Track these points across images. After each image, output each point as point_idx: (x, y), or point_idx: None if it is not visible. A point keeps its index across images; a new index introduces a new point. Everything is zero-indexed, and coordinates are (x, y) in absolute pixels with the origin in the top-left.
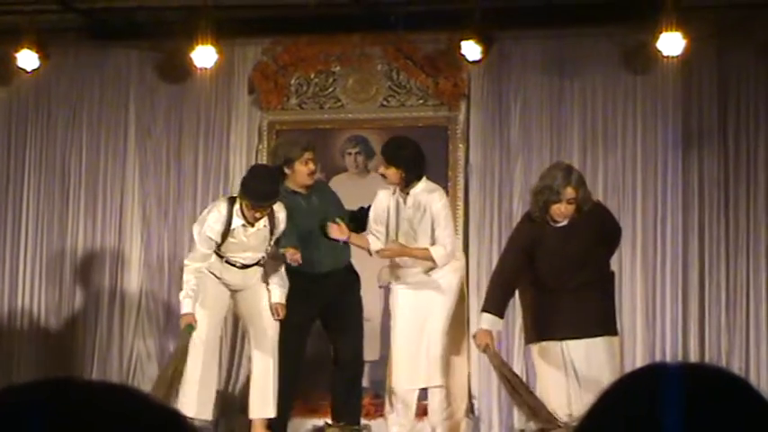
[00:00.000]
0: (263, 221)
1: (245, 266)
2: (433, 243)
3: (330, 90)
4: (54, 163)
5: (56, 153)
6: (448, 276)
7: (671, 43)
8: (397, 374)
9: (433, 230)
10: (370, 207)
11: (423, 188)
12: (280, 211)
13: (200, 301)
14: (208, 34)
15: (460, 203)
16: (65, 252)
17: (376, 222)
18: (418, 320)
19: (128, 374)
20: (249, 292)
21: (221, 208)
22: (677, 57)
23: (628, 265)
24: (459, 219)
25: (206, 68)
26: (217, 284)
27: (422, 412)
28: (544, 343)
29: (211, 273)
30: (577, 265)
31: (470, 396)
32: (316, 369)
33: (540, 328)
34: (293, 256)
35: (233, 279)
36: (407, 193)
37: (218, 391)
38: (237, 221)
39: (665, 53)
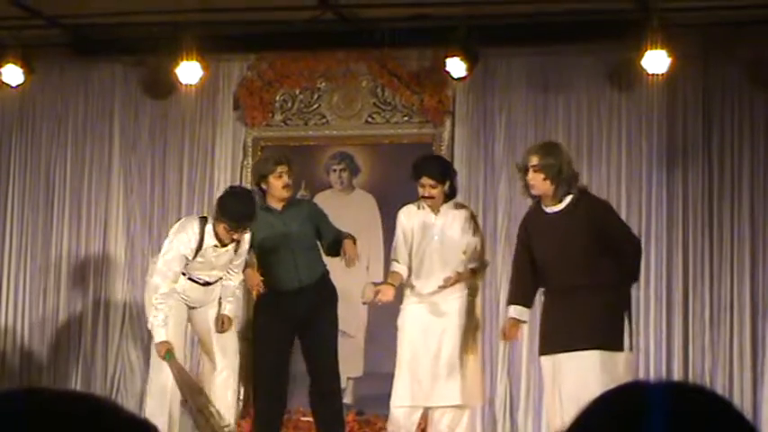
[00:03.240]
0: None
1: (207, 283)
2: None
3: (315, 106)
4: (39, 177)
5: (40, 168)
6: (461, 292)
7: (656, 61)
8: (400, 392)
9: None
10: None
11: (453, 203)
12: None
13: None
14: (193, 50)
15: None
16: (49, 265)
17: (406, 244)
18: (430, 339)
19: (112, 387)
20: (201, 311)
21: (194, 227)
22: (662, 74)
23: None
24: None
25: (191, 84)
26: (178, 301)
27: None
28: (541, 357)
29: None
30: (571, 258)
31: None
32: (301, 386)
33: (540, 342)
34: (254, 282)
35: (194, 295)
36: (439, 211)
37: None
38: (209, 241)
39: (650, 71)
